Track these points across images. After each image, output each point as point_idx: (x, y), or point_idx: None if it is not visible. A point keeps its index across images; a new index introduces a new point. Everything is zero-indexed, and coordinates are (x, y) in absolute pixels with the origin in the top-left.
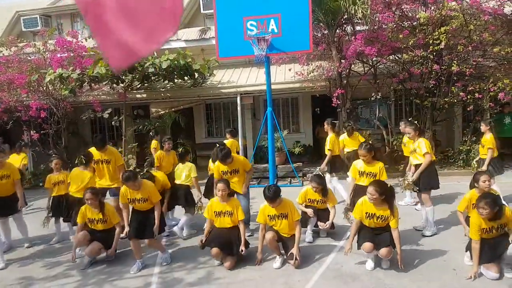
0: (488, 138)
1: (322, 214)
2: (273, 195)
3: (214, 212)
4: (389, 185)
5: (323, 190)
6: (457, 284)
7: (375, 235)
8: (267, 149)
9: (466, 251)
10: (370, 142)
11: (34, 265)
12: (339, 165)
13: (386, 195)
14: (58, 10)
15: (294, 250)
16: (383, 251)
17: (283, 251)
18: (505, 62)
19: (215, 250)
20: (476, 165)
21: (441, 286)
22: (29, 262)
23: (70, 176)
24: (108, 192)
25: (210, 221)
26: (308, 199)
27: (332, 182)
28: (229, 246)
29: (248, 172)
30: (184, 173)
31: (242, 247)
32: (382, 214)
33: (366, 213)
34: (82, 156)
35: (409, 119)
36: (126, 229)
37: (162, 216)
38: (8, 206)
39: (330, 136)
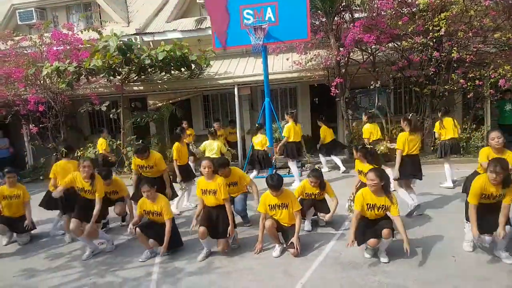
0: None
1: (321, 205)
2: (277, 184)
3: (201, 190)
4: (385, 171)
5: (321, 184)
6: (457, 271)
7: (375, 229)
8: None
9: (466, 221)
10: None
11: (37, 257)
12: (297, 151)
13: (384, 181)
14: (53, 3)
15: (294, 239)
16: (384, 231)
17: (282, 240)
18: (506, 48)
19: (201, 229)
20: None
21: (440, 273)
22: (32, 254)
23: (55, 169)
24: None
25: (201, 200)
26: (306, 193)
27: (289, 164)
28: (215, 226)
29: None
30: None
31: (229, 230)
32: (382, 203)
33: (367, 204)
34: (64, 149)
35: (406, 114)
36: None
37: None
38: (16, 227)
39: (288, 125)
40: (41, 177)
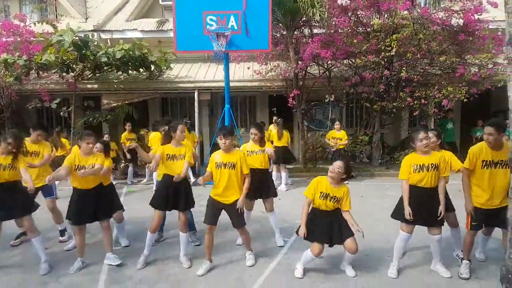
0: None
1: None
2: (228, 131)
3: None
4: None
5: (261, 140)
6: (406, 280)
7: (327, 228)
8: None
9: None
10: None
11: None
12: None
13: (347, 176)
14: None
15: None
16: (349, 244)
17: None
18: (450, 71)
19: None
20: None
21: (382, 276)
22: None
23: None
24: None
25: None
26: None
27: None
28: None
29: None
30: None
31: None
32: (336, 195)
33: (321, 192)
34: None
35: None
36: None
37: None
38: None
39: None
40: None
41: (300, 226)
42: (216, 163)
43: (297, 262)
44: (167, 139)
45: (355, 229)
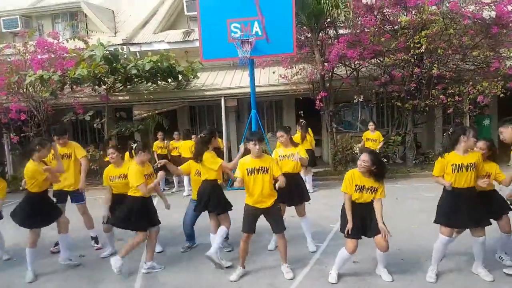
0: None
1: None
2: (261, 136)
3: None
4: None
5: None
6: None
7: (361, 223)
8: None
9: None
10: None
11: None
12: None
13: (378, 168)
14: (38, 11)
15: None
16: (379, 239)
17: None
18: (484, 65)
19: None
20: None
21: (420, 280)
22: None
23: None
24: None
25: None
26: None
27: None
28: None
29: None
30: None
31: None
32: (372, 185)
33: (356, 185)
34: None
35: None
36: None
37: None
38: None
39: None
40: (20, 188)
41: (341, 224)
42: (247, 169)
43: (330, 267)
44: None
45: (381, 226)
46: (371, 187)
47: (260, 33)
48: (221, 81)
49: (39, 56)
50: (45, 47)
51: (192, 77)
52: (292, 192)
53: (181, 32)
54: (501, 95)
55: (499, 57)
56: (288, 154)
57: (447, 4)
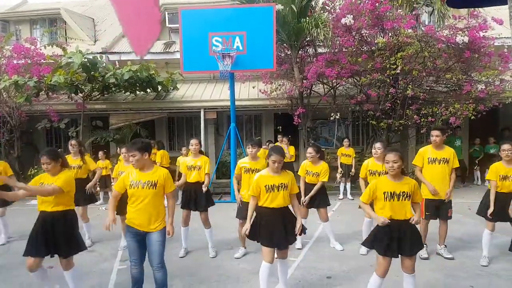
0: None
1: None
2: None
3: (265, 186)
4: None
5: (321, 156)
6: None
7: (393, 237)
8: (230, 164)
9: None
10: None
11: None
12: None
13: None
14: (16, 16)
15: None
16: (407, 261)
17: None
18: (456, 88)
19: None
20: None
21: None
22: None
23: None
24: None
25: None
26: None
27: None
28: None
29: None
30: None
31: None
32: (404, 190)
33: (384, 192)
34: None
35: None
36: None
37: None
38: None
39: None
40: None
41: (368, 238)
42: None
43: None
44: None
45: (415, 220)
46: (403, 192)
47: (241, 48)
48: (201, 94)
49: (15, 61)
50: (22, 52)
51: (172, 88)
52: (313, 197)
53: (162, 43)
54: (472, 117)
55: (471, 81)
56: (314, 171)
57: (423, 28)
